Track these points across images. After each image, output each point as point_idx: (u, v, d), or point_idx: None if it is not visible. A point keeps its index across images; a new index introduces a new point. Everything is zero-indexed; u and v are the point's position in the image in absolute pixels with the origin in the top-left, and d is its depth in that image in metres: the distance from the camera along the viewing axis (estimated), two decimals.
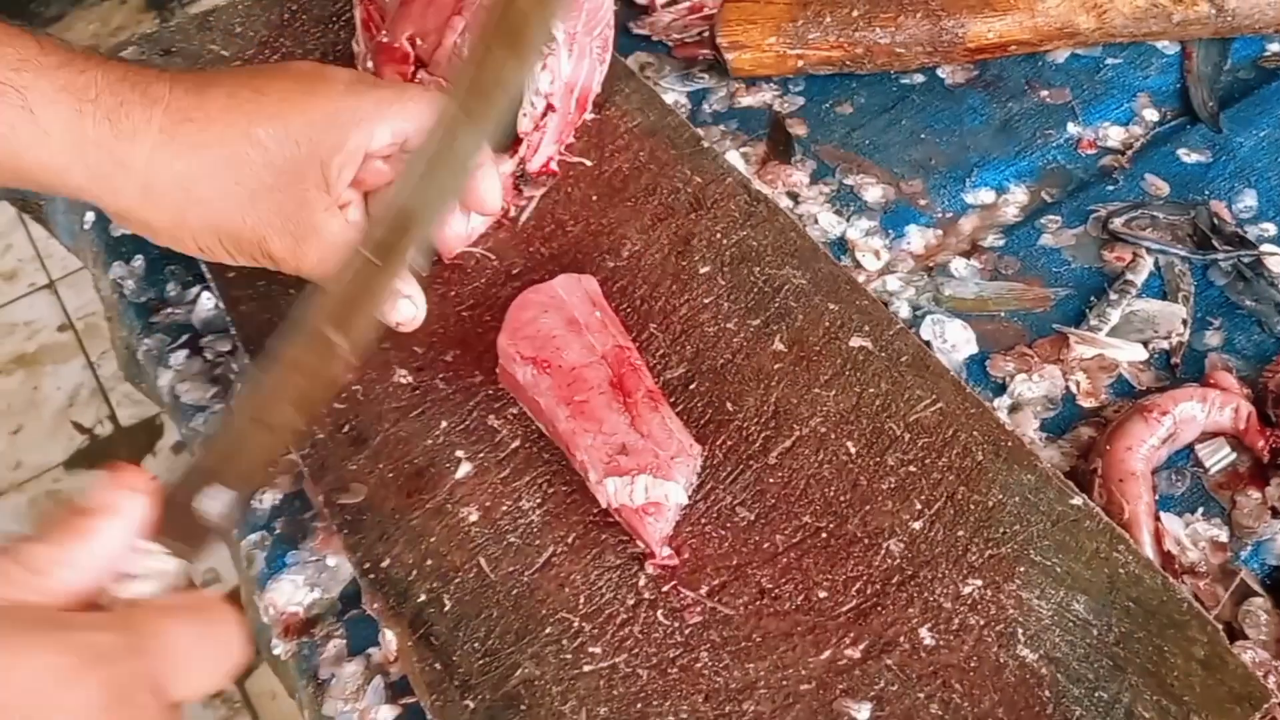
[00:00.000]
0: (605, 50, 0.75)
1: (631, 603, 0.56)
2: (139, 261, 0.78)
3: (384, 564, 0.58)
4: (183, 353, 0.73)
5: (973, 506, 0.57)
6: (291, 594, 0.62)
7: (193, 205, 0.58)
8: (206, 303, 0.74)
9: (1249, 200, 0.72)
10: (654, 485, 0.56)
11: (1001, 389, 0.65)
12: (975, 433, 0.59)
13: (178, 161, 0.57)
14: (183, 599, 0.44)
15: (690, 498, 0.58)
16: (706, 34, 0.84)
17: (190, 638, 0.41)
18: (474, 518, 0.59)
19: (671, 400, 0.62)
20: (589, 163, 0.74)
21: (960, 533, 0.56)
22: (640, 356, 0.62)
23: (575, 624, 0.55)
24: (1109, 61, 0.81)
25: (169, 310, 0.76)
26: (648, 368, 0.62)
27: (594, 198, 0.72)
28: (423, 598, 0.57)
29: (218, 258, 0.61)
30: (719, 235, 0.69)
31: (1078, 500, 0.57)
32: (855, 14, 0.78)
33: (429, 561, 0.58)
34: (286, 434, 0.49)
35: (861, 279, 0.69)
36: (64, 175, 0.58)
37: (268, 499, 0.65)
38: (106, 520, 0.42)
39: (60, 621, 0.39)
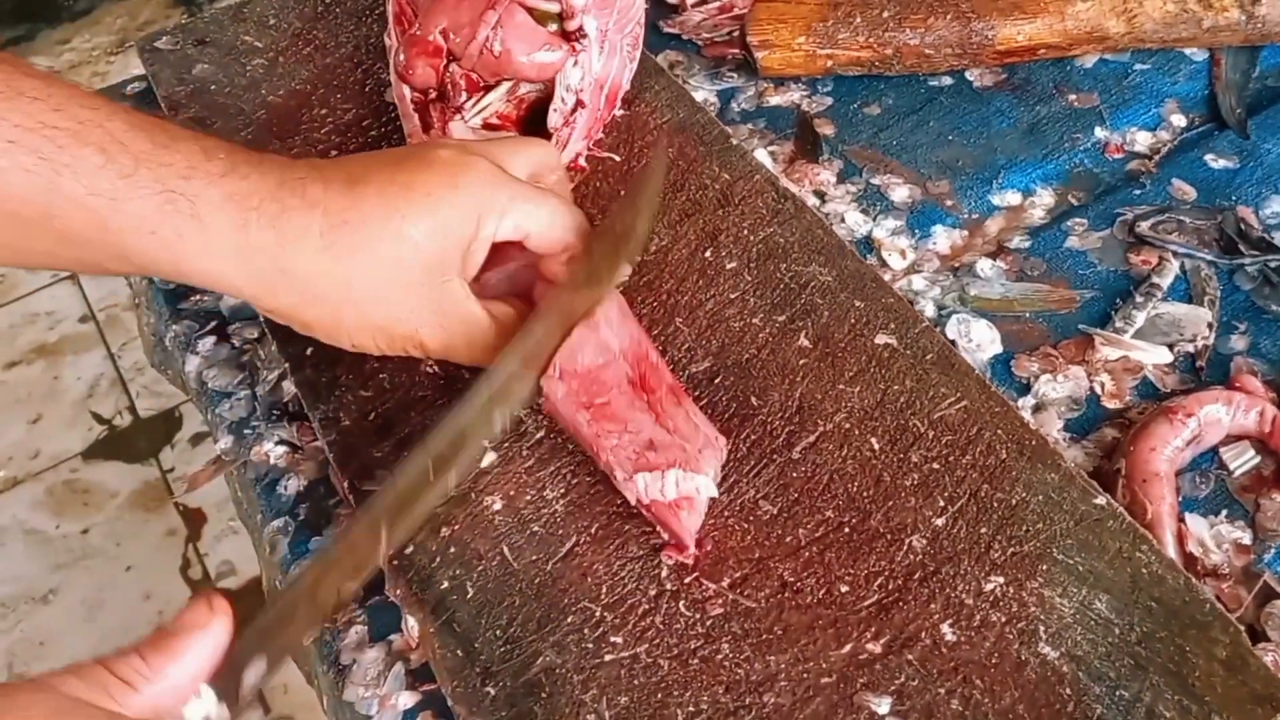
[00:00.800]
0: (636, 48, 0.76)
1: (653, 593, 0.56)
2: None
3: (407, 550, 0.59)
4: (210, 339, 0.74)
5: (996, 504, 0.57)
6: None
7: (350, 306, 0.60)
8: None
9: (1276, 206, 0.72)
10: (684, 479, 0.56)
11: (1026, 389, 0.65)
12: (999, 431, 0.59)
13: (337, 267, 0.59)
14: None
15: None
16: (736, 34, 0.84)
17: None
18: (498, 507, 0.60)
19: (696, 394, 0.62)
20: (618, 158, 0.75)
21: (983, 530, 0.56)
22: (656, 351, 0.62)
23: (597, 613, 0.56)
24: (1137, 67, 0.81)
25: (197, 297, 0.76)
26: (670, 362, 0.62)
27: (622, 193, 0.73)
28: (445, 585, 0.57)
29: (368, 350, 0.62)
30: (746, 231, 0.69)
31: (1101, 500, 0.57)
32: (886, 15, 0.78)
33: (452, 549, 0.58)
34: (325, 613, 0.52)
35: (887, 278, 0.69)
36: (226, 279, 0.59)
37: (292, 485, 0.66)
38: (198, 640, 0.46)
39: None
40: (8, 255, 0.59)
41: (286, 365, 0.68)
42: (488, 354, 0.61)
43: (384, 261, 0.59)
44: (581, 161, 0.74)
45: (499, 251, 0.63)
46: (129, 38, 2.66)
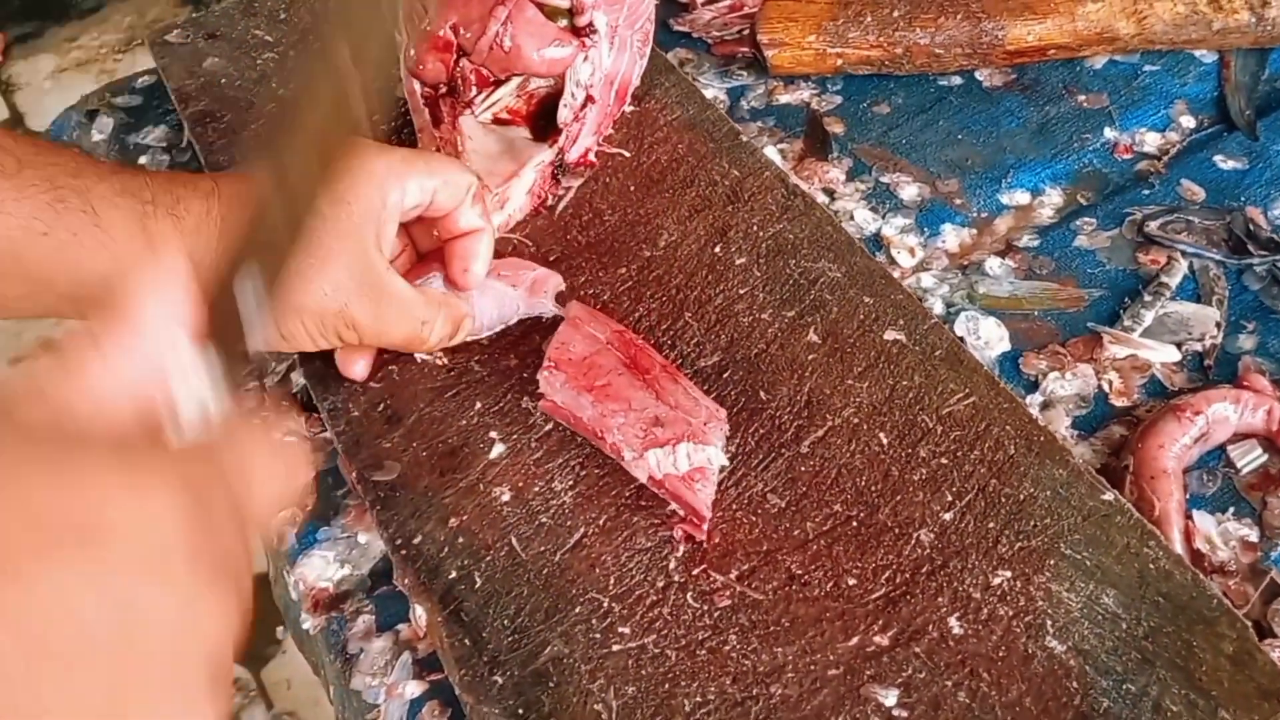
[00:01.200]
0: (645, 44, 0.76)
1: (661, 585, 0.56)
2: None
3: (416, 540, 0.59)
4: None
5: (1004, 499, 0.57)
6: (322, 569, 0.62)
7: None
8: None
9: None
10: (695, 451, 0.56)
11: (1034, 386, 0.65)
12: (1008, 427, 0.60)
13: None
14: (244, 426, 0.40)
15: (722, 484, 0.59)
16: (746, 32, 0.85)
17: (261, 455, 0.38)
18: (506, 497, 0.60)
19: (705, 388, 0.62)
20: (627, 154, 0.75)
21: (991, 525, 0.56)
22: (638, 336, 0.63)
23: (605, 604, 0.56)
24: (1147, 68, 0.81)
25: None
26: (678, 356, 0.63)
27: (632, 188, 0.73)
28: (453, 574, 0.57)
29: (300, 342, 0.60)
30: (755, 227, 0.70)
31: (1109, 495, 0.57)
32: (896, 14, 0.78)
33: (460, 539, 0.59)
34: (310, 196, 0.43)
35: (896, 275, 0.69)
36: (124, 281, 0.54)
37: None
38: (148, 300, 0.37)
39: (123, 443, 0.35)
40: None
41: (295, 356, 0.68)
42: (419, 332, 0.61)
43: None
44: (591, 157, 0.74)
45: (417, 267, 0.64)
46: (137, 35, 2.67)
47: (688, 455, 0.56)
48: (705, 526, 0.57)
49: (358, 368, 0.65)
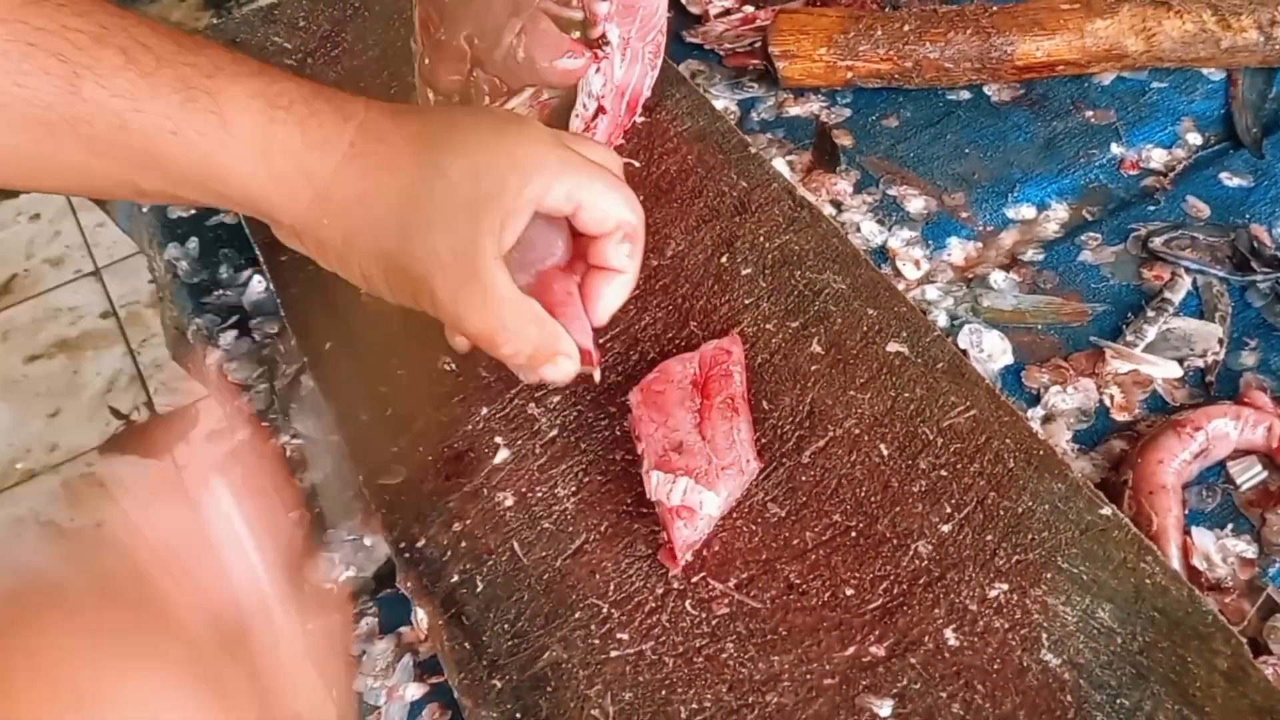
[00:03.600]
0: (657, 55, 0.77)
1: (660, 592, 0.57)
2: (194, 244, 0.80)
3: (419, 544, 0.59)
4: (232, 333, 0.75)
5: (1002, 512, 0.58)
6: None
7: (367, 227, 0.56)
8: (257, 285, 0.76)
9: None
10: (693, 490, 0.57)
11: (1036, 400, 0.66)
12: (1008, 440, 0.60)
13: (363, 180, 0.56)
14: None
15: None
16: (757, 45, 0.85)
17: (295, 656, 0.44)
18: (509, 503, 0.60)
19: None
20: (637, 164, 0.76)
21: (989, 537, 0.57)
22: (741, 370, 0.63)
23: (604, 610, 0.56)
24: (1154, 85, 0.81)
25: (220, 292, 0.78)
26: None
27: (641, 198, 0.73)
28: (456, 578, 0.58)
29: (376, 288, 0.58)
30: (762, 239, 0.70)
31: (1107, 510, 0.57)
32: (907, 28, 0.79)
33: (464, 543, 0.59)
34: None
35: (901, 287, 0.69)
36: (247, 183, 0.56)
37: (308, 479, 0.67)
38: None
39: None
40: (43, 173, 0.57)
41: (305, 360, 0.69)
42: (496, 335, 0.56)
43: (412, 187, 0.55)
44: None
45: (537, 246, 0.60)
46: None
47: (684, 491, 0.57)
48: (678, 566, 0.57)
49: (458, 340, 0.64)
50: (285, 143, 0.55)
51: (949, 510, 0.58)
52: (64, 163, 0.55)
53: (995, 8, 0.80)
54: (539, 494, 0.61)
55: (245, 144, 0.55)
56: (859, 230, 0.74)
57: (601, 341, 0.66)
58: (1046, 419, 0.65)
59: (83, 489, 1.86)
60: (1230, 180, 0.75)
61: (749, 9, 0.90)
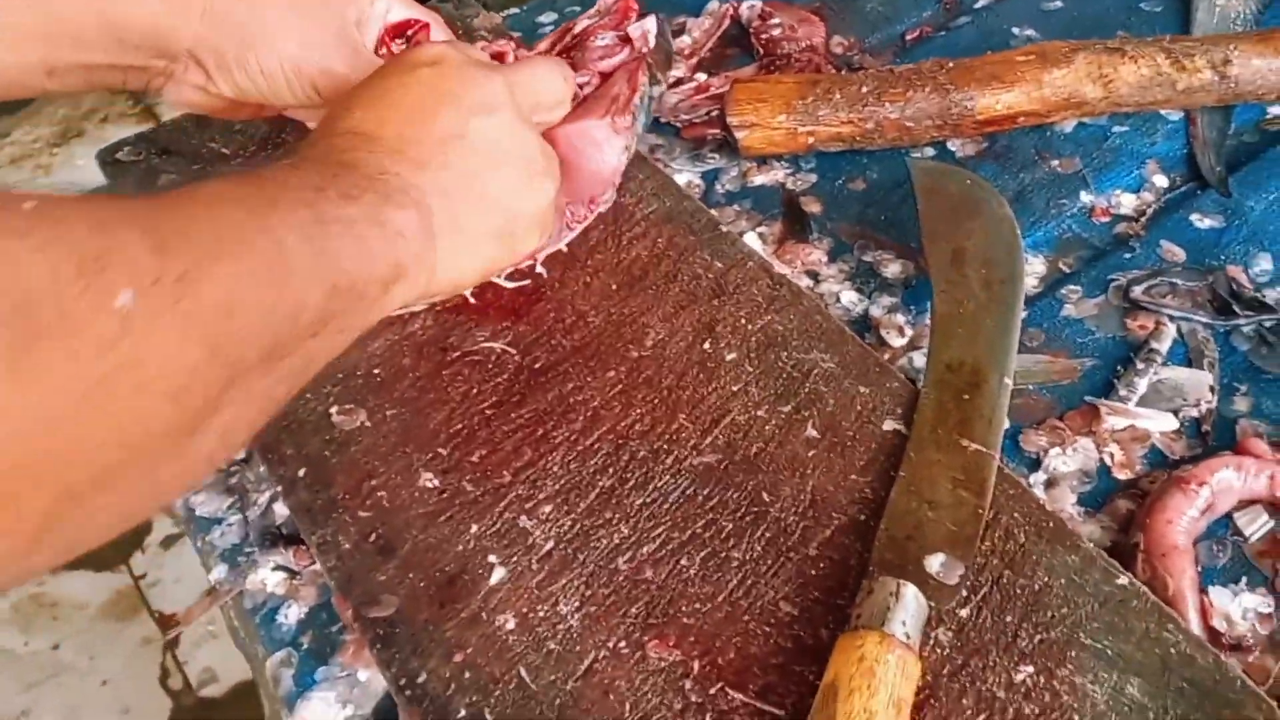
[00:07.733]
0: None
1: (679, 707, 0.55)
2: None
3: (420, 679, 0.57)
4: None
5: (1019, 590, 0.56)
6: (323, 712, 0.60)
7: (264, 36, 0.67)
8: None
9: (1264, 264, 0.72)
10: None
11: (1036, 464, 0.64)
12: (1016, 514, 0.59)
13: None
14: None
15: (732, 593, 0.57)
16: (715, 114, 0.84)
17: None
18: (511, 625, 0.58)
19: (706, 492, 0.61)
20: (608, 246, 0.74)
21: (1009, 618, 0.55)
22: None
23: None
24: (1116, 129, 0.81)
25: None
26: (676, 460, 0.62)
27: (614, 287, 0.72)
28: (463, 712, 0.55)
29: (279, 93, 0.69)
30: (744, 321, 0.69)
31: (1124, 580, 0.56)
32: (865, 90, 0.78)
33: (467, 674, 0.57)
34: None
35: (887, 357, 0.68)
36: (140, 11, 0.64)
37: (292, 613, 0.63)
38: None
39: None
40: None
41: (278, 488, 0.66)
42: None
43: None
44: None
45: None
46: (72, 127, 2.63)
47: None
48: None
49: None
50: None
51: (965, 593, 0.56)
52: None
53: (951, 64, 0.79)
54: (541, 613, 0.58)
55: None
56: (839, 300, 0.73)
57: (589, 443, 0.64)
58: (1049, 483, 0.64)
59: (34, 610, 1.79)
60: (1201, 222, 0.75)
61: (701, 77, 0.89)
